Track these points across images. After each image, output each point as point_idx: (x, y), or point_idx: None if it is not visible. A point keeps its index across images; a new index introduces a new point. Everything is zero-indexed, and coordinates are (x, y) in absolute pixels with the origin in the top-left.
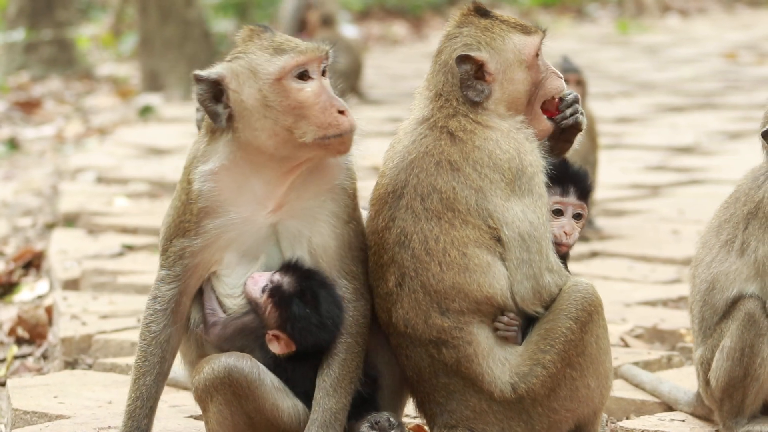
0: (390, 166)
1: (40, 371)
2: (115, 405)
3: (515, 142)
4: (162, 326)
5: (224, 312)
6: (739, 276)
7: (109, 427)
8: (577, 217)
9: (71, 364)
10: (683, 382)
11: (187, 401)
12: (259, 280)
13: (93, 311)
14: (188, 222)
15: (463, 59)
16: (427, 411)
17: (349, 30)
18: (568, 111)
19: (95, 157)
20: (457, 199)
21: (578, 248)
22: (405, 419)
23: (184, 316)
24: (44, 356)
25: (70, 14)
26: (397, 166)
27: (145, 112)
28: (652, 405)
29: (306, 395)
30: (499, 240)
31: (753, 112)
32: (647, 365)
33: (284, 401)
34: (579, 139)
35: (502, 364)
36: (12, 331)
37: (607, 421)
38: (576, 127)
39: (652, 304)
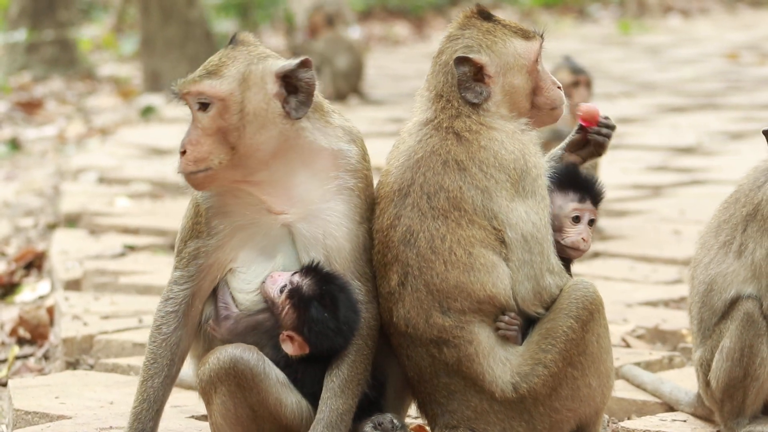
0: (395, 165)
1: (41, 372)
2: (117, 405)
3: (520, 143)
4: (173, 328)
5: (237, 307)
6: (736, 278)
7: (111, 427)
8: (591, 222)
9: (73, 365)
10: (684, 382)
11: (189, 401)
12: (278, 280)
13: (94, 312)
14: (199, 224)
15: (461, 61)
16: (428, 411)
17: (352, 31)
18: (604, 130)
19: (97, 157)
20: (463, 199)
21: None
22: (406, 420)
23: (195, 319)
24: (46, 357)
25: (72, 14)
26: (402, 165)
27: (147, 112)
28: (653, 405)
29: (314, 396)
30: (502, 241)
31: (754, 113)
32: (648, 366)
33: (288, 396)
34: (591, 162)
35: (503, 363)
36: (13, 332)
37: (608, 422)
38: (598, 147)
39: (653, 304)
